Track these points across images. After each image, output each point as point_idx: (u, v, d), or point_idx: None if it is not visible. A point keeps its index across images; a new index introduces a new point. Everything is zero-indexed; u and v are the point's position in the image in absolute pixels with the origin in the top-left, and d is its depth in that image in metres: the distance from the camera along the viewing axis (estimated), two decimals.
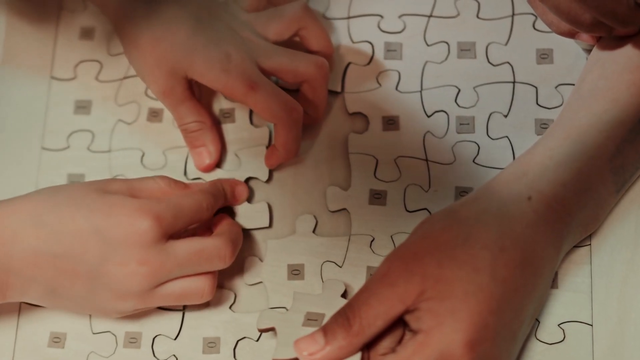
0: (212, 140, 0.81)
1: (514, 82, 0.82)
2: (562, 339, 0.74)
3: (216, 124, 0.83)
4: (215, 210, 0.77)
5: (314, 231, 0.79)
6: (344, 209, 0.79)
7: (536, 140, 0.76)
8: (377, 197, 0.79)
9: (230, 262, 0.75)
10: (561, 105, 0.80)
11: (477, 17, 0.84)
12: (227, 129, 0.83)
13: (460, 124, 0.81)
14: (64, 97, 0.85)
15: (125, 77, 0.85)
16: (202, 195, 0.76)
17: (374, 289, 0.69)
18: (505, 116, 0.81)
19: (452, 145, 0.80)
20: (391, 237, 0.78)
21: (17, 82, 0.86)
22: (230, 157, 0.82)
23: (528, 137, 0.79)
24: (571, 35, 0.77)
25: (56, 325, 0.78)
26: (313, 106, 0.81)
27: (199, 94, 0.82)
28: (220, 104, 0.84)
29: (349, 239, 0.78)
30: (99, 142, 0.84)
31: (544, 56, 0.82)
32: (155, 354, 0.77)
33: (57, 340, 0.77)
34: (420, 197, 0.79)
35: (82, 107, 0.85)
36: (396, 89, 0.83)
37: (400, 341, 0.70)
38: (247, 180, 0.81)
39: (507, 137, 0.80)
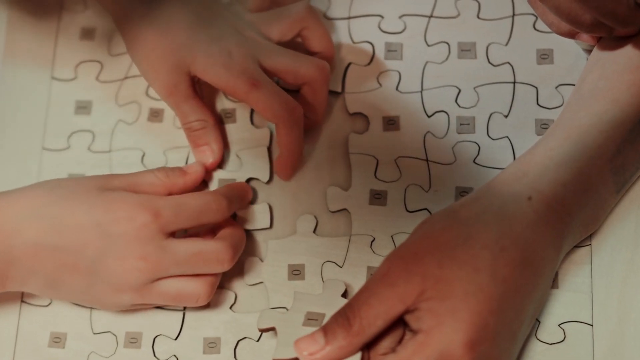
0: (216, 139, 0.81)
1: (514, 83, 0.82)
2: (562, 339, 0.74)
3: (219, 122, 0.83)
4: (230, 214, 0.77)
5: (314, 231, 0.79)
6: (345, 209, 0.79)
7: (536, 141, 0.76)
8: (378, 197, 0.79)
9: (228, 267, 0.75)
10: (561, 105, 0.80)
11: (478, 17, 0.84)
12: (229, 129, 0.83)
13: (461, 124, 0.81)
14: (65, 97, 0.85)
15: (125, 78, 0.85)
16: (213, 196, 0.76)
17: (374, 288, 0.69)
18: (506, 116, 0.81)
19: (452, 145, 0.80)
20: (391, 237, 0.78)
21: (18, 83, 0.86)
22: (231, 158, 0.82)
23: (528, 138, 0.79)
24: (571, 35, 0.77)
25: (56, 325, 0.78)
26: (313, 109, 0.81)
27: (200, 94, 0.82)
28: (222, 104, 0.84)
29: (350, 239, 0.78)
30: (99, 142, 0.84)
31: (544, 56, 0.82)
32: (156, 354, 0.77)
33: (57, 340, 0.77)
34: (420, 197, 0.79)
35: (83, 107, 0.85)
36: (397, 89, 0.83)
37: (400, 341, 0.70)
38: (248, 180, 0.81)
39: (507, 137, 0.80)
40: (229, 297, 0.78)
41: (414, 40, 0.84)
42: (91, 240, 0.72)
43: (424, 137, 0.81)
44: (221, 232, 0.77)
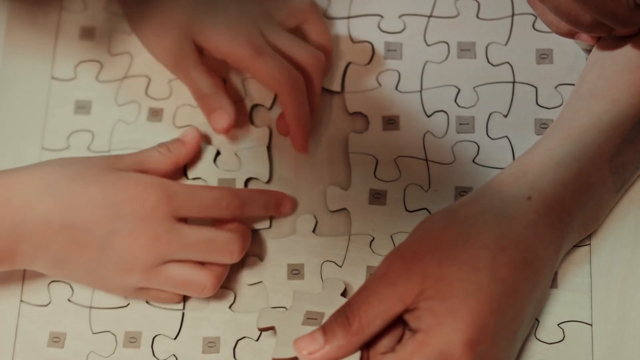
0: (228, 102, 0.81)
1: (513, 82, 0.82)
2: (561, 338, 0.74)
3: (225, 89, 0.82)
4: (241, 215, 0.77)
5: (314, 231, 0.79)
6: (344, 208, 0.79)
7: (536, 140, 0.76)
8: (377, 197, 0.79)
9: (237, 259, 0.75)
10: (561, 105, 0.80)
11: (477, 17, 0.84)
12: None
13: (460, 124, 0.81)
14: (64, 97, 0.85)
15: (125, 77, 0.85)
16: (225, 193, 0.76)
17: (373, 288, 0.69)
18: (505, 116, 0.81)
19: (452, 145, 0.80)
20: (391, 236, 0.78)
21: (18, 82, 0.86)
22: (230, 157, 0.82)
23: (528, 137, 0.79)
24: (571, 35, 0.77)
25: (56, 325, 0.78)
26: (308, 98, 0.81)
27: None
28: None
29: (349, 239, 0.78)
30: (99, 142, 0.84)
31: (544, 56, 0.82)
32: (155, 354, 0.77)
33: (56, 340, 0.77)
34: (420, 197, 0.79)
35: (82, 107, 0.85)
36: (396, 88, 0.83)
37: (399, 340, 0.70)
38: (248, 180, 0.81)
39: (506, 137, 0.80)
40: (229, 296, 0.78)
41: (414, 40, 0.84)
42: (102, 218, 0.73)
43: (424, 137, 0.81)
44: (228, 225, 0.77)
